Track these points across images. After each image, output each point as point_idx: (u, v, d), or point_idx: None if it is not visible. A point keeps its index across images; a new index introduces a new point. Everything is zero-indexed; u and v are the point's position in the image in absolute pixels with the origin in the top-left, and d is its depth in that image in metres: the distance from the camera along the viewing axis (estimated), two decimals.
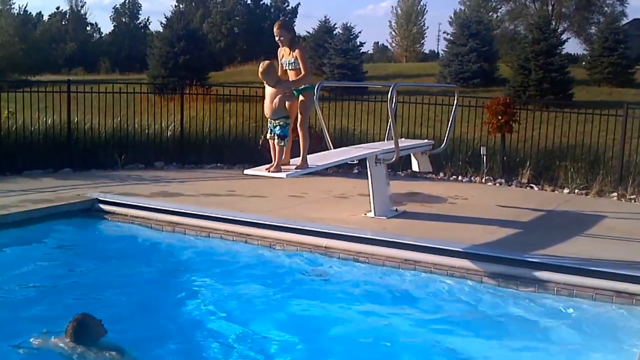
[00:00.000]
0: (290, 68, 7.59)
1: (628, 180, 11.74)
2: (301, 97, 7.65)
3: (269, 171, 7.61)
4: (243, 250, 8.51)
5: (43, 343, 5.56)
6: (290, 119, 7.54)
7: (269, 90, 7.44)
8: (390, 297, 7.10)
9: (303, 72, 7.51)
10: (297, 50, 7.54)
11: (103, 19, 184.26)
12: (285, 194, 10.89)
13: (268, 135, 7.66)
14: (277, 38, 7.59)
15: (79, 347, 5.30)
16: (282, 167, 7.64)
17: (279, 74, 7.65)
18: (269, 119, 7.58)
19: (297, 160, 7.79)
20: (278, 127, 7.46)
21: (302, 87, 7.61)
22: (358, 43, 32.60)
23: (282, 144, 7.49)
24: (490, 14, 54.47)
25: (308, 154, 7.99)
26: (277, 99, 7.35)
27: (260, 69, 7.41)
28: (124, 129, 13.97)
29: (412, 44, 70.69)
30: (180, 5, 73.16)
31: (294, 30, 7.80)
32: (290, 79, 7.61)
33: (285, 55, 7.63)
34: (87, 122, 13.72)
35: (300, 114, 7.68)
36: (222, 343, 5.94)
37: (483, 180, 12.88)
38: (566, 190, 12.05)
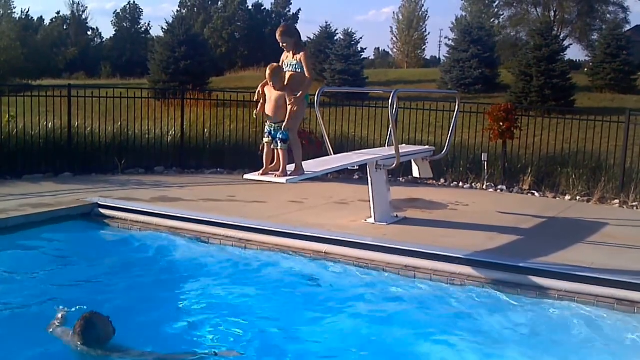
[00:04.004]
0: (290, 70, 7.43)
1: (630, 187, 11.72)
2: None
3: (275, 176, 7.55)
4: (243, 256, 8.48)
5: (61, 332, 5.59)
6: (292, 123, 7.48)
7: (273, 93, 7.37)
8: (390, 304, 7.07)
9: (308, 77, 7.39)
10: (302, 54, 7.40)
11: (104, 23, 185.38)
12: (286, 200, 10.87)
13: (265, 140, 7.57)
14: (280, 44, 7.50)
15: (87, 350, 5.32)
16: (285, 171, 7.57)
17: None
18: (269, 123, 7.49)
19: (292, 167, 7.72)
20: (282, 131, 7.39)
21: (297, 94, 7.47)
22: (359, 49, 32.58)
23: (285, 147, 7.43)
24: (491, 20, 54.60)
25: (309, 159, 7.91)
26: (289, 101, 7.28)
27: (269, 71, 7.33)
28: (124, 133, 13.97)
29: (414, 50, 70.63)
30: (182, 11, 73.41)
31: (298, 33, 7.57)
32: (287, 80, 7.45)
33: (289, 58, 7.49)
34: (88, 127, 13.73)
35: (292, 120, 7.48)
36: (221, 346, 5.92)
37: (484, 186, 12.86)
38: (568, 197, 12.02)
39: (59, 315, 5.97)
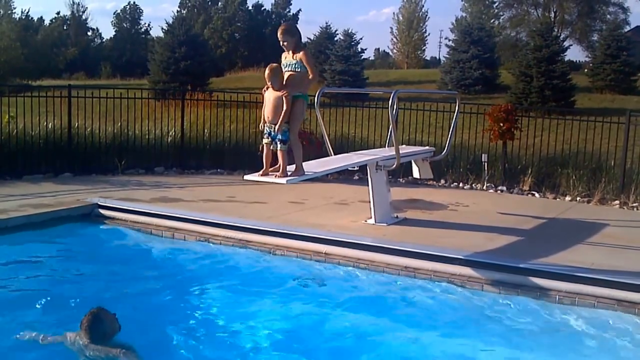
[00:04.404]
0: (290, 69, 7.36)
1: (630, 188, 11.72)
2: (294, 105, 7.37)
3: (275, 177, 7.51)
4: (243, 256, 8.48)
5: (52, 340, 5.59)
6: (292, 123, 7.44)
7: (271, 95, 7.34)
8: (390, 305, 7.07)
9: (311, 76, 7.32)
10: (301, 53, 7.32)
11: (104, 24, 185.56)
12: (286, 200, 10.86)
13: (265, 141, 7.49)
14: (281, 43, 7.41)
15: (92, 345, 5.33)
16: (285, 172, 7.54)
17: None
18: (268, 125, 7.41)
19: (292, 167, 7.68)
20: (281, 132, 7.35)
21: (296, 94, 7.40)
22: (359, 49, 32.60)
23: (285, 148, 7.40)
24: (492, 20, 54.61)
25: (309, 160, 7.87)
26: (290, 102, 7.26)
27: (268, 71, 7.27)
28: (124, 134, 13.96)
29: (414, 51, 70.64)
30: (182, 11, 73.41)
31: (299, 33, 7.50)
32: (285, 80, 7.39)
33: (288, 58, 7.41)
34: (88, 127, 13.73)
35: (292, 121, 7.42)
36: (222, 348, 5.93)
37: (484, 187, 12.85)
38: (568, 198, 12.02)
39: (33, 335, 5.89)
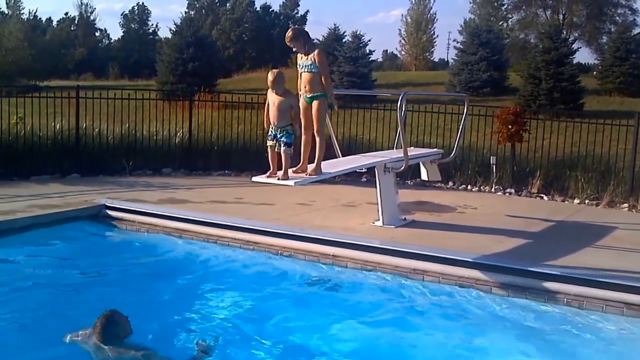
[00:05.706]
0: (305, 70, 7.51)
1: (639, 191, 11.64)
2: (315, 105, 7.55)
3: (278, 179, 7.52)
4: (250, 258, 8.47)
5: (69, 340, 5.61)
6: (294, 126, 7.49)
7: (275, 99, 7.35)
8: (398, 307, 7.05)
9: (323, 77, 7.51)
10: (315, 53, 7.48)
11: (112, 24, 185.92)
12: (293, 202, 10.84)
13: (269, 143, 7.52)
14: (293, 49, 7.60)
15: (105, 347, 5.35)
16: (287, 174, 7.55)
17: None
18: (273, 127, 7.44)
19: (312, 166, 7.71)
20: (285, 135, 7.36)
21: (316, 94, 7.53)
22: (367, 51, 32.53)
23: (290, 150, 7.40)
24: (500, 22, 54.56)
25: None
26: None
27: (271, 77, 7.31)
28: (132, 135, 13.97)
29: (422, 53, 70.54)
30: (190, 12, 73.52)
31: (306, 33, 7.64)
32: (304, 82, 7.57)
33: (303, 59, 7.56)
34: (96, 128, 13.74)
35: (316, 121, 7.60)
36: (227, 349, 5.91)
37: (492, 189, 12.81)
38: (576, 201, 11.97)
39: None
